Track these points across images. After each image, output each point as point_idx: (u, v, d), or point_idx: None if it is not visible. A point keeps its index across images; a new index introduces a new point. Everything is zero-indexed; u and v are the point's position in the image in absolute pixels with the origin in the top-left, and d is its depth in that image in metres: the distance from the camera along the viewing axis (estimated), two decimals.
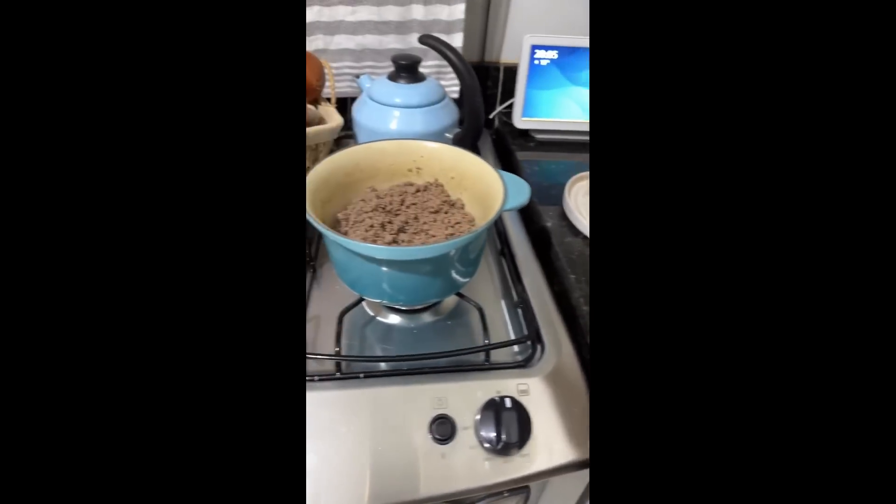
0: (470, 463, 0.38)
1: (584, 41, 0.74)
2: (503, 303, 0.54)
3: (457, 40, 0.76)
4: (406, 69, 0.64)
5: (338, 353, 0.44)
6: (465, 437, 0.39)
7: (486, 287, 0.55)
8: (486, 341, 0.46)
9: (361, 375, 0.43)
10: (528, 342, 0.47)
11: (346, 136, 0.69)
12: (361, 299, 0.50)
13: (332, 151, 0.69)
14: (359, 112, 0.66)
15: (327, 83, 0.70)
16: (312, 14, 0.72)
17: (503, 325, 0.51)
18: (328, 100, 0.71)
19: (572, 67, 0.75)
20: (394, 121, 0.63)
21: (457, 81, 0.82)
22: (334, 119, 0.66)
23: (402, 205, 0.49)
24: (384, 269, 0.41)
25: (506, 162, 0.79)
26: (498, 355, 0.46)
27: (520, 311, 0.51)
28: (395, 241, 0.45)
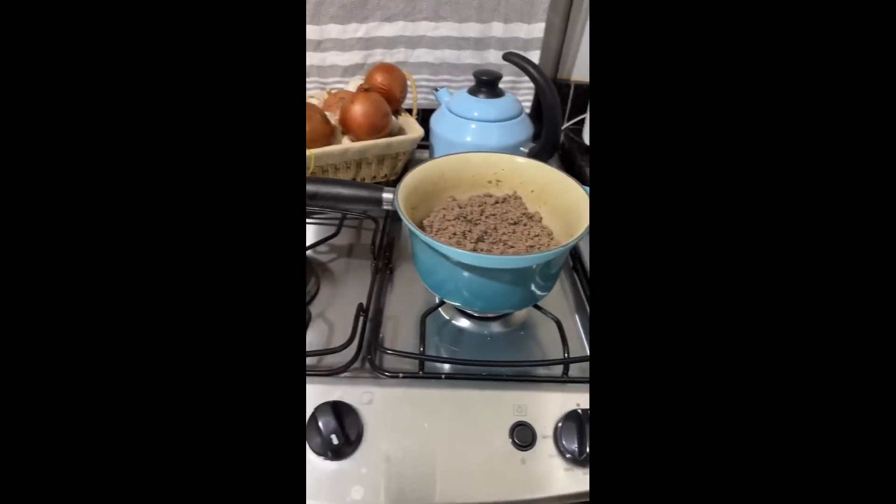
0: (549, 471, 0.39)
1: None
2: (577, 317, 0.54)
3: (533, 58, 0.78)
4: (487, 84, 0.66)
5: (422, 353, 0.46)
6: (545, 446, 0.40)
7: (559, 301, 0.56)
8: (566, 355, 0.47)
9: (443, 376, 0.44)
10: None
11: (422, 146, 0.71)
12: (442, 303, 0.51)
13: (409, 161, 0.72)
14: (437, 124, 0.68)
15: (409, 95, 0.73)
16: (397, 29, 0.75)
17: (578, 339, 0.51)
18: (409, 111, 0.74)
19: None
20: (470, 134, 0.65)
21: (529, 97, 0.83)
22: (415, 130, 0.69)
23: (481, 215, 0.51)
24: (466, 274, 0.43)
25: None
26: (574, 369, 0.46)
27: None
28: (475, 250, 0.46)
